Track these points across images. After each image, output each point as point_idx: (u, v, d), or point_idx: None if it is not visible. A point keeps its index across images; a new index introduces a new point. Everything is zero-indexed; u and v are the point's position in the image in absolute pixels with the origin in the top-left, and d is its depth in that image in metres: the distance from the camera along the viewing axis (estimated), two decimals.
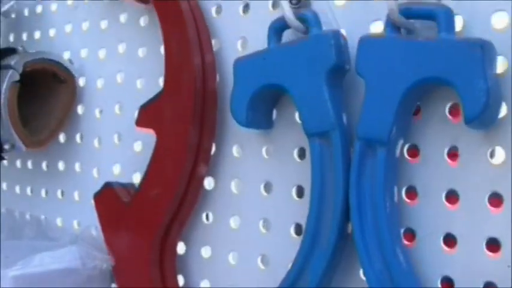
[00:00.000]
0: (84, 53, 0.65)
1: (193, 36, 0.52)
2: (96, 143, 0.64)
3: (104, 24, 0.64)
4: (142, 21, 0.60)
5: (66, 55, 0.67)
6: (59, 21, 0.68)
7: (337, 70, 0.44)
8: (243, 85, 0.48)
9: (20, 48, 0.61)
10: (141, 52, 0.60)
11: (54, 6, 0.69)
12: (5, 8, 0.66)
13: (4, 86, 0.58)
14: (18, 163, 0.72)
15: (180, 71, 0.53)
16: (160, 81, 0.55)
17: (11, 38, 0.74)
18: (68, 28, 0.67)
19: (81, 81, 0.65)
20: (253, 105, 0.48)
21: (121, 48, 0.62)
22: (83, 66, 0.65)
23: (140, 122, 0.54)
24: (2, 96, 0.58)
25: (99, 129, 0.64)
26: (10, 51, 0.62)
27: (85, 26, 0.66)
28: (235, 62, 0.49)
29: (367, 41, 0.43)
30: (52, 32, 0.69)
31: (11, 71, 0.59)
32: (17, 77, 0.59)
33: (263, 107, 0.49)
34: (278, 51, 0.47)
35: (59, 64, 0.62)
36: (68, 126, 0.65)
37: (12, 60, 0.59)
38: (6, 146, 0.60)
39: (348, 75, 0.45)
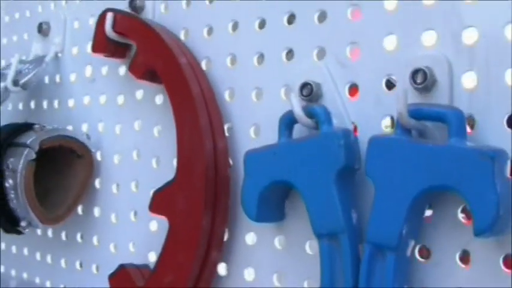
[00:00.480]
0: (101, 126, 0.67)
1: (204, 121, 0.53)
2: (113, 218, 0.65)
3: (120, 99, 0.65)
4: (158, 99, 0.61)
5: (84, 127, 0.69)
6: (77, 92, 0.70)
7: (346, 170, 0.45)
8: (253, 180, 0.49)
9: (36, 126, 0.62)
10: (156, 131, 0.61)
11: (73, 77, 0.71)
12: (24, 79, 0.68)
13: (20, 164, 0.60)
14: (39, 230, 0.74)
15: (192, 157, 0.54)
16: (175, 162, 0.56)
17: (32, 105, 0.76)
18: (86, 100, 0.69)
19: (98, 155, 0.67)
20: (263, 200, 0.48)
21: (137, 125, 0.63)
22: (100, 140, 0.66)
23: (154, 208, 0.55)
24: (18, 175, 0.60)
25: (116, 204, 0.65)
26: (26, 127, 0.64)
27: (102, 99, 0.67)
28: (245, 155, 0.49)
29: (377, 143, 0.43)
30: (71, 103, 0.71)
31: (27, 150, 0.60)
32: (33, 156, 0.61)
33: (274, 200, 0.50)
34: (288, 147, 0.47)
35: (75, 140, 0.64)
36: (86, 199, 0.67)
37: (28, 139, 0.61)
38: (23, 223, 0.62)
39: (359, 172, 0.46)
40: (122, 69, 0.66)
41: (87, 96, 0.69)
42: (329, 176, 0.45)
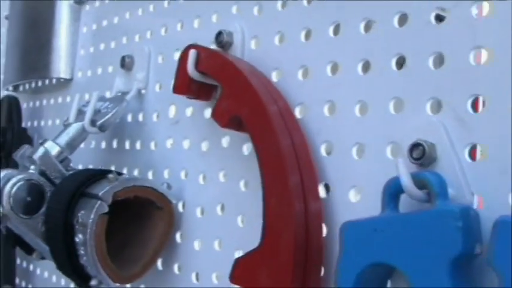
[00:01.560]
0: (183, 174, 0.63)
1: (295, 180, 0.48)
2: (193, 277, 0.61)
3: (205, 145, 0.61)
4: (245, 149, 0.57)
5: (166, 173, 0.65)
6: (160, 134, 0.67)
7: (464, 257, 0.38)
8: (351, 258, 0.43)
9: (111, 176, 0.59)
10: (242, 184, 0.57)
11: (156, 116, 0.68)
12: (102, 120, 0.66)
13: (91, 219, 0.57)
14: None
15: (280, 222, 0.49)
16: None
17: (114, 144, 0.74)
18: (169, 143, 0.66)
19: (180, 206, 0.63)
20: (362, 282, 0.43)
21: (222, 176, 0.59)
22: (182, 189, 0.63)
23: (235, 278, 0.51)
24: (88, 230, 0.57)
25: (198, 263, 0.61)
26: (101, 175, 0.61)
27: (186, 143, 0.64)
28: (342, 227, 0.44)
29: (506, 225, 0.36)
30: (153, 145, 0.68)
31: (98, 203, 0.58)
32: (105, 209, 0.58)
33: (375, 282, 0.44)
34: (392, 223, 0.41)
35: (154, 190, 0.61)
36: (166, 253, 0.63)
37: (101, 189, 0.58)
38: (93, 282, 0.59)
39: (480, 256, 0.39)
40: (208, 112, 0.62)
41: (170, 139, 0.66)
42: (442, 263, 0.38)
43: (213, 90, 0.60)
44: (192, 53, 0.57)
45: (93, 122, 0.67)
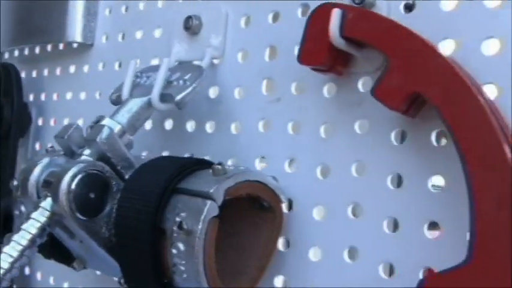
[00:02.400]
0: (292, 165, 0.50)
1: None
2: None
3: (325, 130, 0.49)
4: (394, 136, 0.45)
5: (256, 163, 0.53)
6: (248, 116, 0.54)
7: None
8: None
9: (217, 167, 0.45)
10: (389, 181, 0.45)
11: (239, 93, 0.54)
12: (182, 95, 0.51)
13: (201, 224, 0.43)
14: None
15: (497, 233, 0.37)
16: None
17: (170, 125, 0.59)
18: (265, 126, 0.53)
19: (283, 205, 0.50)
20: None
21: (356, 168, 0.47)
22: (290, 184, 0.50)
23: None
24: (196, 239, 0.43)
25: (314, 277, 0.48)
26: (198, 165, 0.47)
27: (293, 127, 0.51)
28: None
29: None
30: (233, 128, 0.54)
31: (209, 203, 0.43)
32: (217, 211, 0.44)
33: None
34: None
35: (265, 185, 0.47)
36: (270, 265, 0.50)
37: (208, 185, 0.44)
38: None
39: None
40: (328, 88, 0.49)
41: (263, 121, 0.52)
42: None
43: (348, 61, 0.47)
44: (336, 13, 0.44)
45: (163, 97, 0.52)
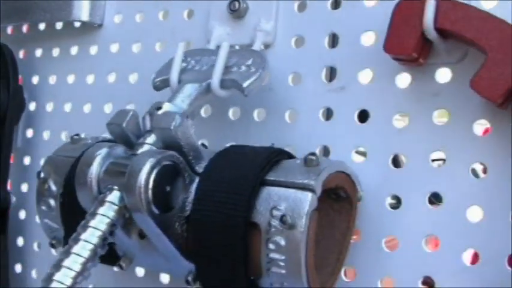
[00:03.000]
0: (354, 154, 0.49)
1: None
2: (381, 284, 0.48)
3: (400, 120, 0.48)
4: (476, 127, 0.45)
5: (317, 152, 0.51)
6: (302, 102, 0.52)
7: None
8: None
9: (311, 157, 0.43)
10: (480, 169, 0.45)
11: (290, 79, 0.52)
12: (249, 81, 0.49)
13: (304, 217, 0.41)
14: None
15: None
16: None
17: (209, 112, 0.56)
18: (322, 114, 0.51)
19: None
20: None
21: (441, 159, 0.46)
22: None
23: None
24: (299, 233, 0.41)
25: (392, 268, 0.47)
26: (277, 155, 0.45)
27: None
28: None
29: None
30: (287, 116, 0.53)
31: (310, 195, 0.42)
32: (316, 203, 0.42)
33: None
34: None
35: (348, 176, 0.46)
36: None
37: (304, 177, 0.42)
38: None
39: None
40: (401, 78, 0.48)
41: (324, 110, 0.51)
42: None
43: (428, 52, 0.46)
44: (430, 4, 0.43)
45: (224, 83, 0.50)
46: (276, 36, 0.53)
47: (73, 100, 0.65)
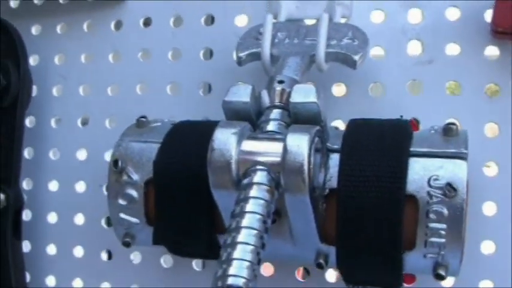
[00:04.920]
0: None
1: None
2: None
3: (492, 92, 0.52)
4: None
5: None
6: (394, 76, 0.54)
7: None
8: None
9: (452, 127, 0.46)
10: None
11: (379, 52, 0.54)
12: (358, 55, 0.49)
13: (464, 186, 0.44)
14: None
15: None
16: None
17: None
18: (415, 88, 0.54)
19: None
20: None
21: None
22: None
23: None
24: (463, 202, 0.44)
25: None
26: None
27: (452, 88, 0.53)
28: None
29: None
30: (371, 89, 0.54)
31: (465, 164, 0.44)
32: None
33: None
34: None
35: None
36: None
37: (453, 147, 0.45)
38: None
39: None
40: (490, 49, 0.52)
41: (411, 83, 0.53)
42: None
43: None
44: None
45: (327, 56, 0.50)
46: (352, 10, 0.54)
47: (89, 82, 0.59)
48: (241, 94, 0.46)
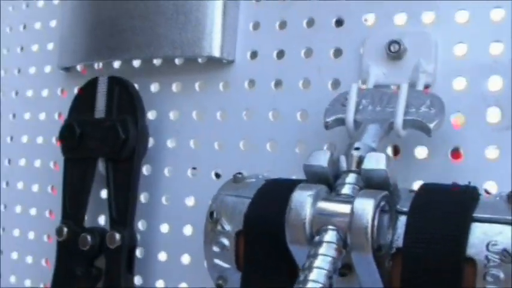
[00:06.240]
0: None
1: None
2: None
3: None
4: None
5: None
6: (471, 141, 0.60)
7: None
8: None
9: None
10: None
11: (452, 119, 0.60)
12: (434, 123, 0.56)
13: None
14: None
15: None
16: None
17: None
18: (491, 153, 0.59)
19: None
20: None
21: None
22: None
23: None
24: None
25: None
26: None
27: None
28: None
29: None
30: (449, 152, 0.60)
31: None
32: None
33: None
34: None
35: None
36: None
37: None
38: None
39: None
40: None
41: (491, 149, 0.59)
42: None
43: None
44: None
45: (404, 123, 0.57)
46: (435, 78, 0.61)
47: (199, 137, 0.70)
48: (320, 159, 0.54)
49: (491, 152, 0.59)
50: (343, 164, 0.55)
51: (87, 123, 0.71)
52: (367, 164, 0.53)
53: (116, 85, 0.70)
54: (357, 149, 0.55)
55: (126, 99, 0.69)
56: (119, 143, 0.68)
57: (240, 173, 0.61)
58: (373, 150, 0.55)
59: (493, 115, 0.60)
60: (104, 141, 0.69)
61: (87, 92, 0.72)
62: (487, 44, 0.60)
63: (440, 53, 0.61)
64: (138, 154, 0.68)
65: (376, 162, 0.53)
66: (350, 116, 0.59)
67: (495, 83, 0.60)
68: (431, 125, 0.57)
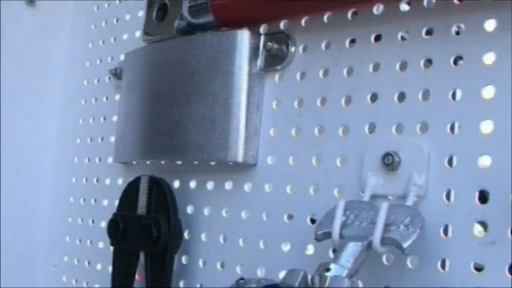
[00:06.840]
0: None
1: None
2: None
3: None
4: None
5: None
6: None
7: None
8: None
9: None
10: None
11: (450, 232, 0.63)
12: (409, 242, 0.60)
13: None
14: None
15: None
16: None
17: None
18: None
19: None
20: None
21: None
22: None
23: None
24: None
25: None
26: None
27: None
28: None
29: None
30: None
31: None
32: None
33: None
34: None
35: None
36: None
37: None
38: None
39: None
40: None
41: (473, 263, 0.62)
42: None
43: None
44: None
45: (384, 241, 0.61)
46: (427, 189, 0.65)
47: (227, 232, 0.78)
48: (292, 279, 0.60)
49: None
50: (317, 283, 0.61)
51: (129, 219, 0.81)
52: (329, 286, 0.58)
53: (154, 184, 0.80)
54: (328, 269, 0.60)
55: (161, 197, 0.79)
56: (152, 240, 0.77)
57: (242, 278, 0.68)
58: (347, 269, 0.60)
59: (480, 230, 0.62)
60: (141, 236, 0.78)
61: (132, 189, 0.82)
62: (476, 157, 0.62)
63: (433, 165, 0.65)
64: (170, 249, 0.77)
65: (336, 285, 0.58)
66: (335, 233, 0.64)
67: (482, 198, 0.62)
68: (405, 244, 0.60)
